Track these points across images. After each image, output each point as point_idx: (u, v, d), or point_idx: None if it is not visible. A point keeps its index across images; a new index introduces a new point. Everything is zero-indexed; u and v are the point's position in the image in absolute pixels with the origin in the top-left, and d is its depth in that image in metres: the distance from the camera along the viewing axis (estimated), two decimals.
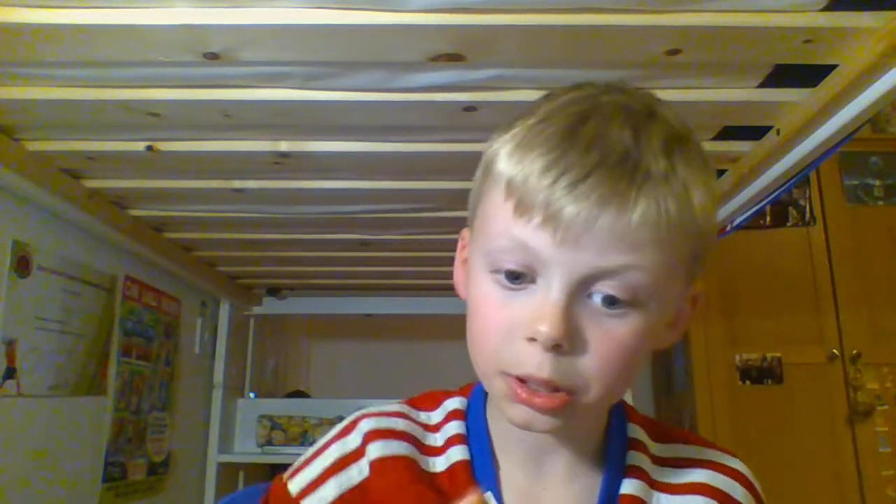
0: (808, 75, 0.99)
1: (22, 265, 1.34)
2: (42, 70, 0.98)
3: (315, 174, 1.37)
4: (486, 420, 0.55)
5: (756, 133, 1.18)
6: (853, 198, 2.42)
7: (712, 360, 2.34)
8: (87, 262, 1.57)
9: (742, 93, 1.05)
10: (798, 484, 2.17)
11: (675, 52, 0.91)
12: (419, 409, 0.58)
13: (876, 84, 0.91)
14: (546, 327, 0.42)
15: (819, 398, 2.27)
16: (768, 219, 2.41)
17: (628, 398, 2.26)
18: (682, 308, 0.49)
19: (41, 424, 1.42)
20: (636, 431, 0.55)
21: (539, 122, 0.46)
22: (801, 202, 2.42)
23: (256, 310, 2.57)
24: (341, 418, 0.60)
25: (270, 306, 2.57)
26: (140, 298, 1.83)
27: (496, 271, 0.46)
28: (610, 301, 0.43)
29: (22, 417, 1.36)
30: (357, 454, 0.53)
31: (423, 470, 0.53)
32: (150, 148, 1.22)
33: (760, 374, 2.31)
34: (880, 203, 2.42)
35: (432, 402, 0.59)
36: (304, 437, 2.33)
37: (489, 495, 0.51)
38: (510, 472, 0.54)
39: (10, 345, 1.30)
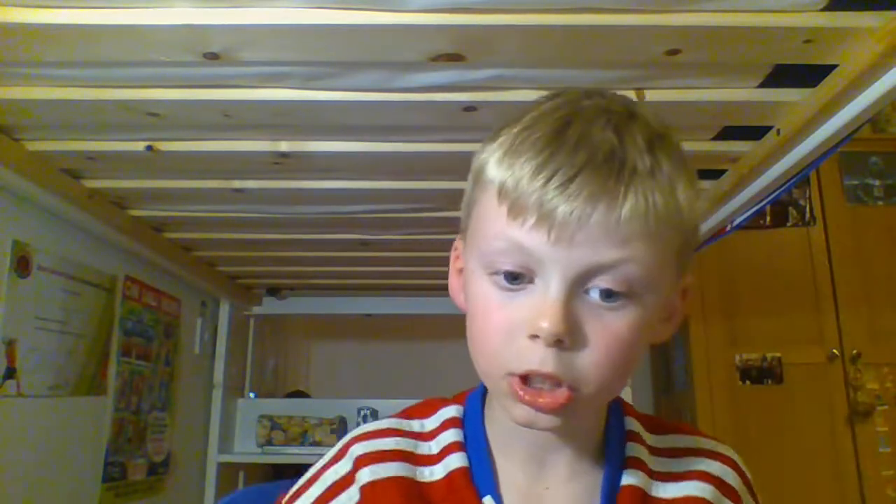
0: (808, 75, 0.99)
1: (22, 265, 1.34)
2: (42, 70, 0.98)
3: (315, 174, 1.37)
4: (483, 426, 0.56)
5: (756, 133, 1.18)
6: (853, 198, 2.42)
7: (712, 360, 2.34)
8: (87, 262, 1.57)
9: (742, 93, 1.05)
10: (798, 484, 2.17)
11: (675, 52, 0.91)
12: (412, 418, 0.58)
13: (876, 84, 0.91)
14: (547, 323, 0.43)
15: (819, 398, 2.27)
16: (768, 219, 2.41)
17: (628, 398, 2.25)
18: (674, 301, 0.51)
19: (41, 424, 1.42)
20: (633, 424, 0.56)
21: (525, 128, 0.47)
22: (801, 202, 2.42)
23: (256, 310, 2.57)
24: (341, 418, 0.60)
25: (270, 306, 2.57)
26: (140, 298, 1.83)
27: (494, 273, 0.47)
28: (607, 294, 0.45)
29: (22, 417, 1.36)
30: (347, 481, 0.54)
31: (416, 483, 0.53)
32: (150, 148, 1.22)
33: (760, 374, 2.31)
34: (880, 203, 2.42)
35: (427, 409, 0.59)
36: (304, 437, 2.33)
37: (488, 499, 0.52)
38: (511, 474, 0.54)
39: (10, 345, 1.30)
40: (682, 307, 0.52)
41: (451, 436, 0.56)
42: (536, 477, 0.54)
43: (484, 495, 0.52)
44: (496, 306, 0.47)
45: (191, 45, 0.89)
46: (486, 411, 0.57)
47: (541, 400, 0.45)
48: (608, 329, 0.45)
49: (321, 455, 0.59)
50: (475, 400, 0.57)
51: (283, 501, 0.58)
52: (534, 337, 0.44)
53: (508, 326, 0.46)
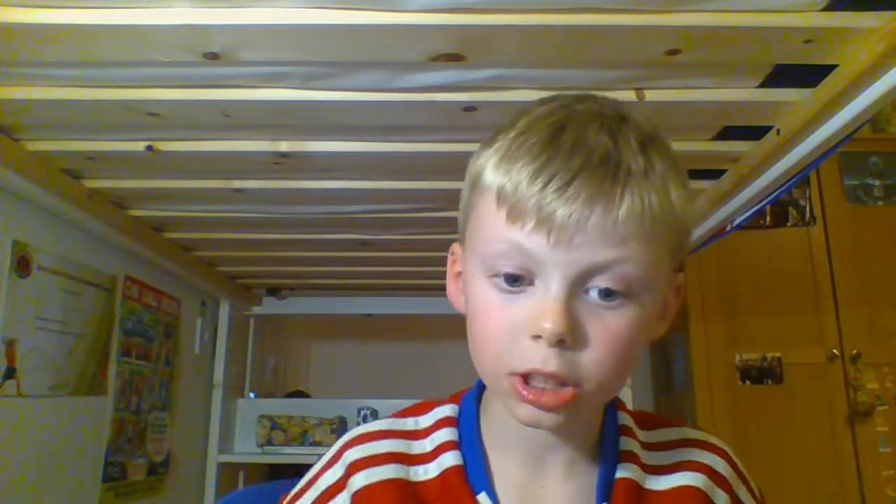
0: (808, 75, 0.99)
1: (22, 265, 1.34)
2: (42, 70, 0.98)
3: (315, 174, 1.37)
4: (478, 425, 0.56)
5: (756, 133, 1.18)
6: (853, 198, 2.42)
7: (712, 360, 2.33)
8: (87, 262, 1.57)
9: (742, 93, 1.05)
10: (798, 484, 2.17)
11: (675, 52, 0.91)
12: (406, 416, 0.59)
13: (876, 84, 0.91)
14: (550, 324, 0.44)
15: (819, 398, 2.27)
16: (768, 219, 2.41)
17: (628, 398, 2.24)
18: (668, 299, 0.52)
19: (41, 424, 1.42)
20: (625, 419, 0.57)
21: (520, 134, 0.48)
22: (801, 202, 2.42)
23: (256, 310, 2.57)
24: (341, 418, 0.61)
25: (270, 306, 2.57)
26: (140, 298, 1.83)
27: (495, 276, 0.47)
28: (606, 294, 0.46)
29: (22, 417, 1.36)
30: (339, 487, 0.55)
31: (410, 484, 0.54)
32: (150, 148, 1.22)
33: (760, 374, 2.31)
34: (880, 203, 2.42)
35: (422, 408, 0.60)
36: (304, 437, 2.33)
37: (483, 496, 0.52)
38: (507, 473, 0.54)
39: (10, 345, 1.30)
40: (675, 305, 0.53)
41: (446, 434, 0.56)
42: (534, 475, 0.54)
43: (478, 492, 0.52)
44: (497, 308, 0.47)
45: (191, 45, 0.89)
46: (483, 411, 0.57)
47: (544, 398, 0.46)
48: (608, 328, 0.46)
49: (321, 455, 0.59)
50: (470, 400, 0.58)
51: (285, 501, 0.58)
52: (536, 337, 0.45)
53: (510, 327, 0.47)
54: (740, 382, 2.31)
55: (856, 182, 2.43)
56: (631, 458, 0.54)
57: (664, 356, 2.67)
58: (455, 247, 0.56)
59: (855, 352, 2.26)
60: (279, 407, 2.49)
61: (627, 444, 0.55)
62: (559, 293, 0.45)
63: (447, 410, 0.58)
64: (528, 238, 0.45)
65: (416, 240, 1.75)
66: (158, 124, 1.13)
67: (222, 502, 0.78)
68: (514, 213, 0.45)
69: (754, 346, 2.33)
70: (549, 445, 0.54)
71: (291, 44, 0.90)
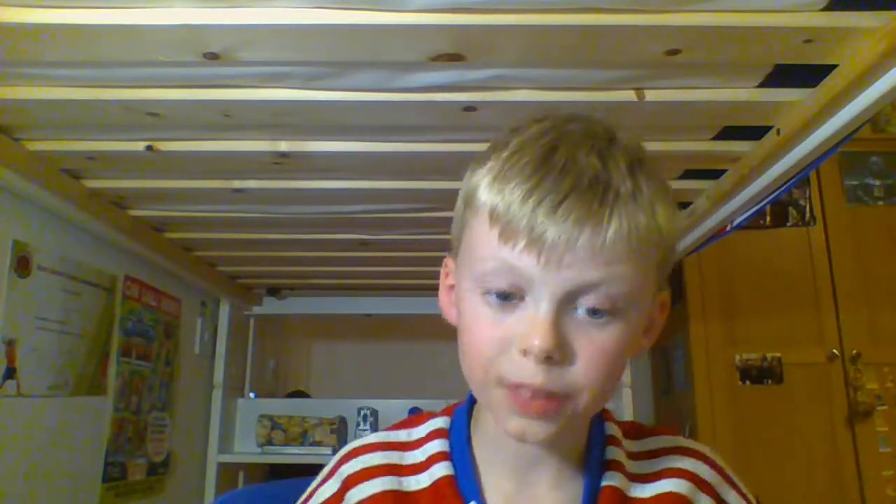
0: (808, 75, 0.99)
1: (22, 265, 1.34)
2: (42, 70, 0.98)
3: (315, 174, 1.37)
4: (469, 437, 0.58)
5: (756, 133, 1.18)
6: (853, 198, 2.42)
7: (712, 360, 2.33)
8: (87, 262, 1.57)
9: (742, 93, 1.05)
10: (798, 484, 2.17)
11: (675, 52, 0.91)
12: (399, 429, 0.62)
13: (876, 84, 0.91)
14: (538, 341, 0.46)
15: (819, 398, 2.26)
16: (768, 219, 2.40)
17: (628, 398, 2.22)
18: (653, 314, 0.54)
19: (41, 424, 1.42)
20: (612, 429, 0.59)
21: (513, 154, 0.50)
22: (801, 202, 2.42)
23: (256, 310, 2.57)
24: (341, 418, 0.62)
25: (270, 306, 2.57)
26: (140, 298, 1.83)
27: (486, 292, 0.49)
28: (593, 311, 0.47)
29: (22, 417, 1.36)
30: (336, 500, 0.57)
31: (403, 495, 0.56)
32: (150, 148, 1.22)
33: (760, 374, 2.31)
34: (880, 203, 2.42)
35: (415, 421, 0.62)
36: (304, 437, 2.33)
37: None
38: (497, 483, 0.56)
39: (10, 345, 1.30)
40: (660, 320, 0.55)
41: (437, 446, 0.58)
42: (523, 485, 0.56)
43: (469, 502, 0.54)
44: (489, 323, 0.49)
45: (190, 45, 0.89)
46: (473, 423, 0.59)
47: (532, 408, 0.48)
48: (594, 344, 0.48)
49: (321, 455, 0.61)
50: (462, 413, 0.60)
51: None
52: (525, 352, 0.47)
53: (500, 342, 0.48)
54: (740, 382, 2.31)
55: (856, 182, 2.43)
56: (616, 466, 0.56)
57: (664, 356, 2.67)
58: (448, 260, 0.58)
59: (855, 352, 2.26)
60: (279, 407, 2.49)
61: (613, 453, 0.57)
62: (548, 311, 0.46)
63: (439, 423, 0.61)
64: (518, 257, 0.46)
65: (416, 240, 1.75)
66: (158, 124, 1.13)
67: (219, 501, 0.78)
68: (506, 233, 0.47)
69: (754, 346, 2.33)
70: (537, 457, 0.56)
71: (291, 44, 0.90)
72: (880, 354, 2.26)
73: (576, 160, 0.47)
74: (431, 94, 1.03)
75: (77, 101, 1.05)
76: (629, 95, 1.04)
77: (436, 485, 0.55)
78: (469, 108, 1.06)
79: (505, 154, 0.50)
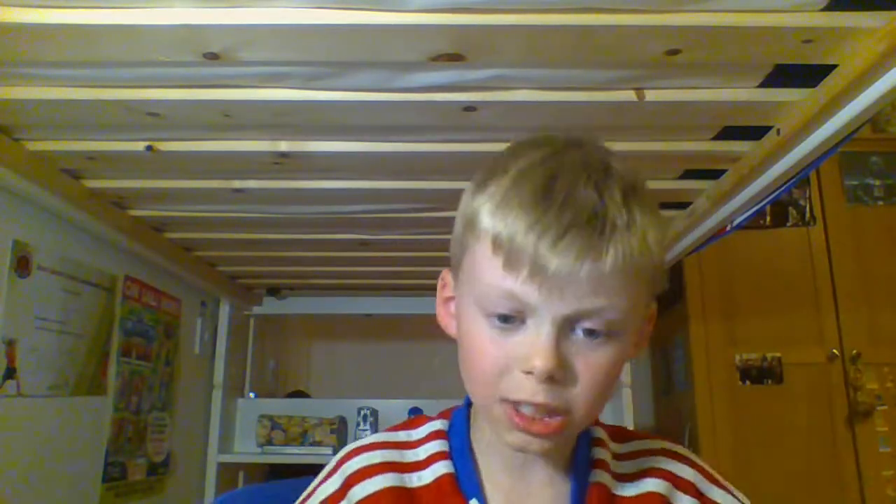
0: (808, 75, 0.99)
1: (22, 265, 1.34)
2: (42, 70, 0.98)
3: (315, 174, 1.37)
4: (468, 438, 0.61)
5: (756, 133, 1.18)
6: (853, 198, 2.42)
7: (712, 360, 2.33)
8: (87, 262, 1.57)
9: (742, 93, 1.05)
10: (798, 484, 2.17)
11: (675, 52, 0.91)
12: (398, 430, 0.64)
13: (876, 84, 0.91)
14: (540, 362, 0.49)
15: (819, 398, 2.27)
16: (768, 219, 2.40)
17: (628, 398, 2.22)
18: (643, 327, 0.57)
19: (41, 424, 1.42)
20: (599, 432, 0.62)
21: (513, 181, 0.52)
22: (801, 202, 2.42)
23: (256, 310, 2.57)
24: (341, 418, 0.63)
25: (270, 306, 2.57)
26: (140, 298, 1.83)
27: (489, 315, 0.52)
28: (590, 332, 0.51)
29: (22, 417, 1.36)
30: (338, 497, 0.59)
31: (406, 490, 0.58)
32: (150, 148, 1.22)
33: (760, 374, 2.31)
34: (880, 203, 2.42)
35: (414, 423, 0.65)
36: (304, 437, 2.33)
37: (474, 502, 0.57)
38: (494, 482, 0.59)
39: (10, 345, 1.30)
40: (648, 331, 0.58)
41: (437, 446, 0.61)
42: (518, 484, 0.59)
43: (470, 498, 0.57)
44: (491, 342, 0.52)
45: (190, 45, 0.89)
46: (471, 425, 0.62)
47: (535, 427, 0.51)
48: (592, 363, 0.51)
49: (321, 455, 0.61)
50: (460, 415, 0.63)
51: None
52: (527, 373, 0.50)
53: (504, 361, 0.51)
54: (740, 382, 2.31)
55: (856, 182, 2.43)
56: (603, 465, 0.59)
57: (664, 356, 2.67)
58: (445, 274, 0.60)
59: (855, 352, 2.26)
60: (279, 407, 2.48)
61: (599, 453, 0.60)
62: (549, 335, 0.49)
63: (438, 425, 0.63)
64: (521, 287, 0.49)
65: (416, 240, 1.75)
66: (158, 124, 1.13)
67: (219, 501, 0.78)
68: (510, 263, 0.49)
69: (754, 346, 2.33)
70: (528, 461, 0.59)
71: (291, 44, 0.90)
72: (880, 354, 2.26)
73: (575, 194, 0.50)
74: (431, 94, 1.03)
75: (77, 101, 1.04)
76: (629, 95, 1.04)
77: (437, 482, 0.58)
78: (469, 108, 1.06)
79: (506, 182, 0.52)
